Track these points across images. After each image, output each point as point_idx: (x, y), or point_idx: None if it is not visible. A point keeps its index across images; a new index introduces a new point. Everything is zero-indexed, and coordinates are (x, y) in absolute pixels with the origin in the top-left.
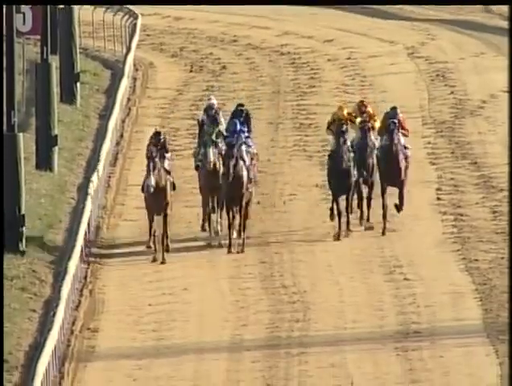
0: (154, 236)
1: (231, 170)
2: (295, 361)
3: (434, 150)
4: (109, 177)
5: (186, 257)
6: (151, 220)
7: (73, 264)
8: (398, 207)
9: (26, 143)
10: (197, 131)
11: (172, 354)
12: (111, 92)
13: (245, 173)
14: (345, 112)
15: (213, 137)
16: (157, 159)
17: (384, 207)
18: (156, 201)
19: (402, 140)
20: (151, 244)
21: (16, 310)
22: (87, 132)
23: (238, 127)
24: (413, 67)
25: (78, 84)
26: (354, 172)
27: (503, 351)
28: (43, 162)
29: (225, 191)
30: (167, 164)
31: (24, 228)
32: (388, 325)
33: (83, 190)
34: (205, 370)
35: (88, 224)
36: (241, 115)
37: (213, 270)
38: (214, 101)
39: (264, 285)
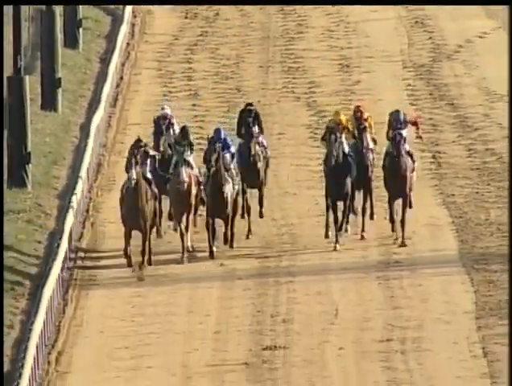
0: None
1: (212, 162)
2: (283, 289)
3: (413, 92)
4: (110, 117)
5: None
6: (128, 237)
7: (76, 198)
8: (402, 226)
9: (31, 85)
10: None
11: (169, 282)
12: (111, 38)
13: (229, 186)
14: (342, 117)
15: (186, 154)
16: (139, 156)
17: (392, 220)
18: (135, 215)
19: (408, 147)
20: (134, 266)
21: (22, 241)
22: (89, 75)
23: (223, 136)
24: (393, 14)
25: (80, 30)
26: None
27: (478, 280)
28: (48, 103)
29: (209, 201)
30: (148, 170)
31: (30, 165)
32: (371, 255)
33: (85, 129)
34: (199, 298)
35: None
36: (249, 115)
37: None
38: (168, 111)
39: (253, 218)
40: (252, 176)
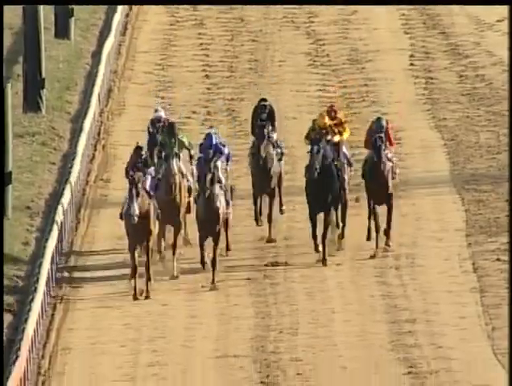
0: (135, 272)
1: (207, 185)
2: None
3: (408, 21)
4: (120, 45)
5: None
6: (133, 252)
7: (88, 121)
8: (387, 232)
9: (45, 15)
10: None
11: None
12: None
13: (222, 199)
14: (327, 119)
15: (176, 149)
16: (140, 185)
17: (376, 227)
18: (138, 230)
19: (389, 153)
20: (134, 281)
21: (37, 163)
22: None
23: (214, 141)
24: None
25: None
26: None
27: (468, 199)
28: (61, 31)
29: (200, 217)
30: (148, 183)
31: (44, 90)
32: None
33: (96, 56)
34: None
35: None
36: (264, 111)
37: None
38: (162, 113)
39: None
40: (263, 182)
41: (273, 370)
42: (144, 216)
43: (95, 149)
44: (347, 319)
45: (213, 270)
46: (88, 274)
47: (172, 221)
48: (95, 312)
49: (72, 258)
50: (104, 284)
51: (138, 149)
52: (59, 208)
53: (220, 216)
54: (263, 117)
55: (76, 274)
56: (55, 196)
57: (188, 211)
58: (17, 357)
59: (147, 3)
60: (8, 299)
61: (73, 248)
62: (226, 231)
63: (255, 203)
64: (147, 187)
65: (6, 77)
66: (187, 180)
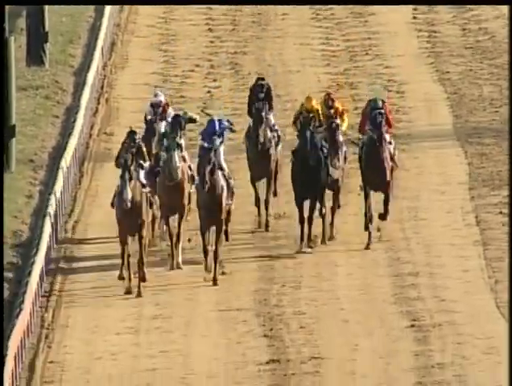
0: (128, 262)
1: (207, 178)
2: (286, 161)
3: None
4: None
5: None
6: (124, 243)
7: (91, 75)
8: (383, 216)
9: None
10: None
11: None
12: None
13: (223, 184)
14: (314, 102)
15: (177, 139)
16: (132, 168)
17: (367, 216)
18: (130, 219)
19: (387, 135)
20: (124, 274)
21: (41, 116)
22: None
23: (217, 128)
24: None
25: None
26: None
27: (471, 152)
28: None
29: (201, 206)
30: (142, 175)
31: (48, 44)
32: None
33: (100, 9)
34: None
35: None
36: (261, 90)
37: None
38: (162, 98)
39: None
40: (261, 164)
41: (276, 323)
42: (135, 206)
43: (98, 103)
44: (350, 273)
45: (215, 264)
46: (92, 228)
47: (175, 209)
48: (98, 265)
49: (76, 211)
50: (108, 238)
51: (132, 133)
52: (63, 161)
53: (223, 205)
54: (260, 96)
55: (80, 227)
56: (59, 149)
57: (188, 201)
58: (20, 310)
59: (147, 3)
60: (11, 252)
61: (77, 202)
62: (227, 222)
63: (254, 187)
64: (142, 179)
65: (9, 31)
66: (190, 169)
